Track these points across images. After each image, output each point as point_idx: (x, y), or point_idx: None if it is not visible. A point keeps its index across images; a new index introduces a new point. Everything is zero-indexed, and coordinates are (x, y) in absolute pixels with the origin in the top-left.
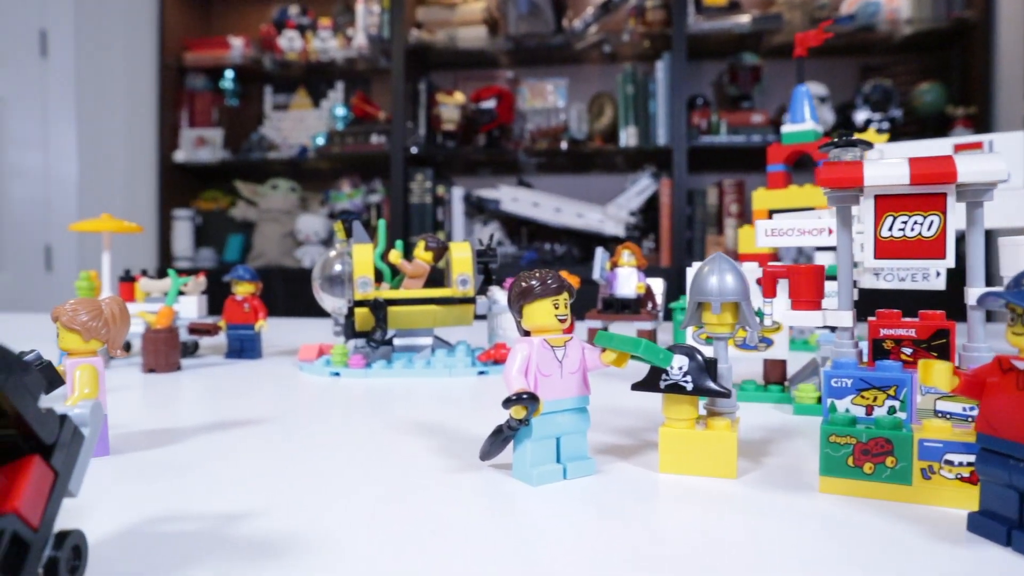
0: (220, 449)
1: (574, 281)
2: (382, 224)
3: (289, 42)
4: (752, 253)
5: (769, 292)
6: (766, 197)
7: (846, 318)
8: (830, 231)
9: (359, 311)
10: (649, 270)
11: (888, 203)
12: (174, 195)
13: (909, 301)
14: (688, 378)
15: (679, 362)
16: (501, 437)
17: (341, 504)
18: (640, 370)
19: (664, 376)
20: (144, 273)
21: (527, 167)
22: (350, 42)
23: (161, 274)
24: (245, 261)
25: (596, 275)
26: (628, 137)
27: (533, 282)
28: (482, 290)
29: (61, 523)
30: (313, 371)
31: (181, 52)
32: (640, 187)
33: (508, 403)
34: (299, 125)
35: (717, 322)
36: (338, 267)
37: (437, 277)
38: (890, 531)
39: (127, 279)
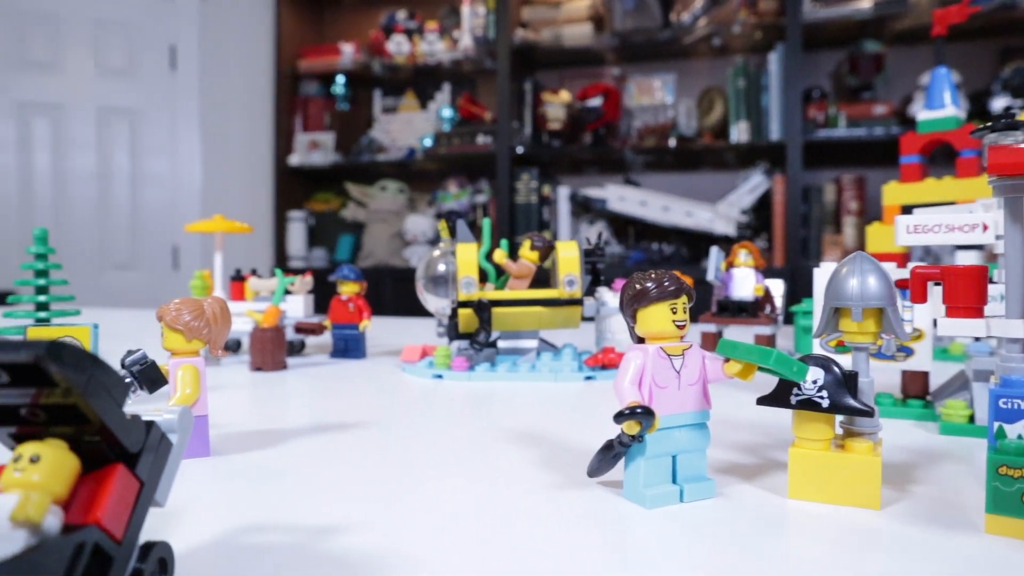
0: (317, 453)
1: (688, 282)
2: (487, 223)
3: (397, 46)
4: (884, 253)
5: (919, 296)
6: (899, 191)
7: (1017, 328)
8: (985, 227)
9: (463, 312)
10: (765, 271)
11: None
12: (288, 197)
13: None
14: (824, 393)
15: (814, 375)
16: (612, 453)
17: (435, 521)
18: (765, 381)
19: (796, 390)
20: (254, 272)
21: (634, 165)
22: (456, 44)
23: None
24: (355, 261)
25: (710, 276)
26: (739, 132)
27: (648, 284)
28: (590, 291)
29: (151, 531)
30: (416, 372)
31: (295, 60)
32: (752, 184)
33: (620, 417)
34: (407, 127)
35: (858, 330)
36: (442, 267)
37: (543, 277)
38: None
39: (237, 278)
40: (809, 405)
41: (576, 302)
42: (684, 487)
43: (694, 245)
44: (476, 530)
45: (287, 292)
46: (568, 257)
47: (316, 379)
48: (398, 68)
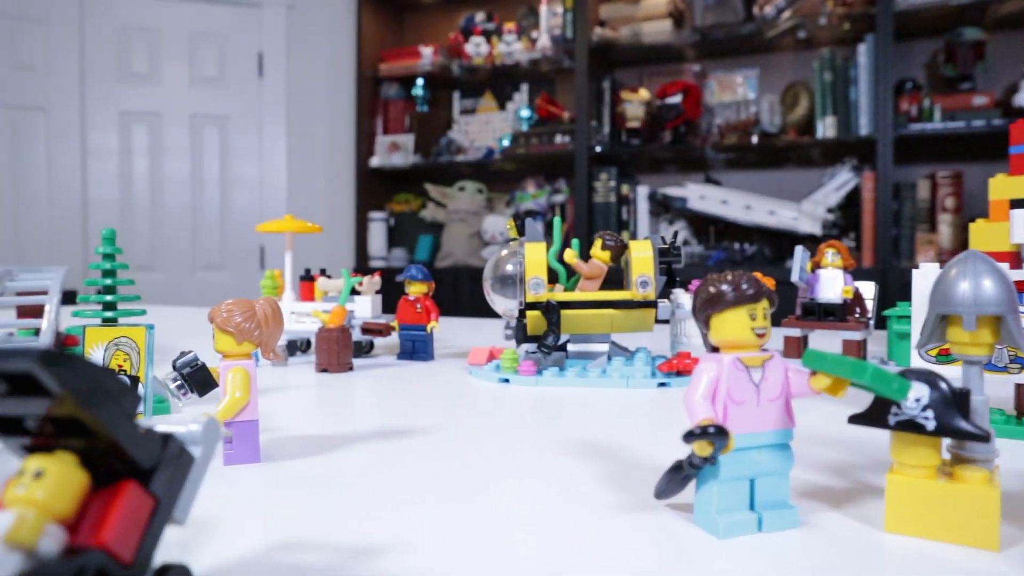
0: (372, 461)
1: (769, 284)
2: (557, 222)
3: (476, 48)
4: (991, 252)
5: None
6: (1009, 184)
7: None
8: None
9: (531, 314)
10: (854, 272)
11: None
12: (369, 198)
13: None
14: (929, 413)
15: (917, 392)
16: (681, 475)
17: (486, 543)
18: (860, 393)
19: (895, 409)
20: (323, 272)
21: (715, 163)
22: (534, 44)
23: (364, 272)
24: (434, 261)
25: (795, 277)
26: (825, 128)
27: (724, 287)
28: (664, 293)
29: (181, 545)
30: (482, 376)
31: (376, 64)
32: (839, 181)
33: (690, 437)
34: (485, 128)
35: (970, 341)
36: (510, 267)
37: (616, 278)
38: None
39: (307, 278)
40: (911, 427)
41: (650, 304)
42: (763, 515)
43: (777, 245)
44: (530, 555)
45: (355, 292)
46: (641, 257)
47: (380, 381)
48: (476, 69)
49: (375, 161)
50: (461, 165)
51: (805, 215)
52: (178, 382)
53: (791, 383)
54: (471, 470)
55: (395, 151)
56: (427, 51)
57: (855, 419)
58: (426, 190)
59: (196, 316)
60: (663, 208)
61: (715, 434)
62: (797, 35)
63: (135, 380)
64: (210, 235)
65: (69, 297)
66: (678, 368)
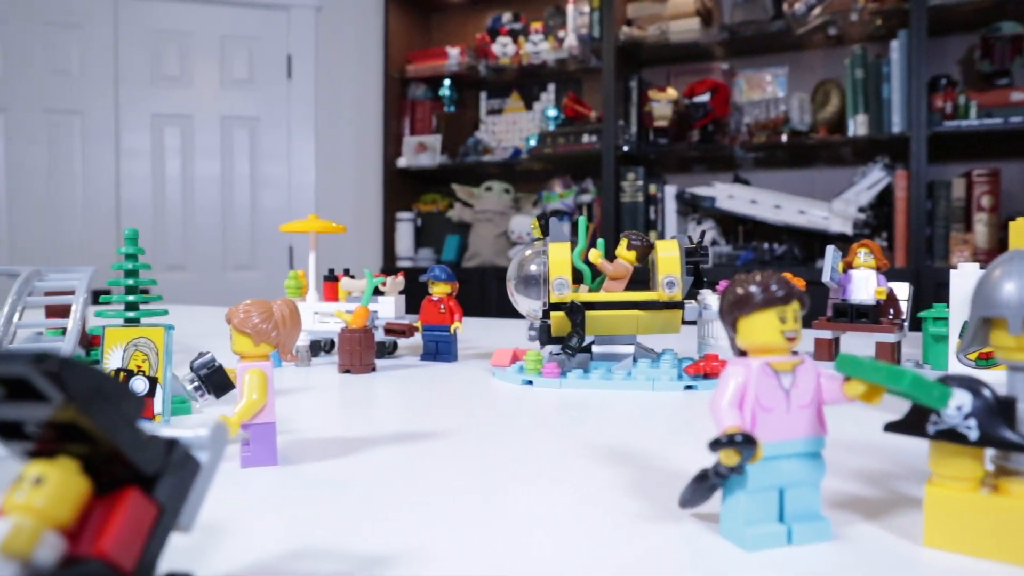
0: (390, 464)
1: (799, 285)
2: (582, 221)
3: (503, 48)
4: None
5: None
6: None
7: None
8: None
9: (555, 315)
10: (887, 272)
11: None
12: (397, 199)
13: None
14: (972, 423)
15: (959, 400)
16: (707, 484)
17: (502, 552)
18: (895, 401)
19: (935, 417)
20: (347, 272)
21: (744, 162)
22: (561, 44)
23: (390, 272)
24: (461, 261)
25: (826, 277)
26: (857, 126)
27: (752, 288)
28: (691, 294)
29: (190, 551)
30: (505, 378)
31: (403, 65)
32: (871, 180)
33: (717, 445)
34: (512, 128)
35: (1016, 346)
36: (534, 267)
37: (642, 279)
38: None
39: (330, 278)
40: (953, 436)
41: (676, 305)
42: (792, 527)
43: (807, 245)
44: (550, 564)
45: (379, 292)
46: (668, 257)
47: (402, 383)
48: (503, 69)
49: (402, 161)
50: (488, 165)
51: (836, 214)
52: (195, 383)
53: (823, 389)
54: (490, 475)
55: (422, 151)
56: (454, 52)
57: (891, 427)
58: (453, 190)
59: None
60: (691, 208)
61: (742, 443)
62: (828, 32)
63: (154, 381)
64: (240, 235)
65: (99, 297)
66: (705, 371)
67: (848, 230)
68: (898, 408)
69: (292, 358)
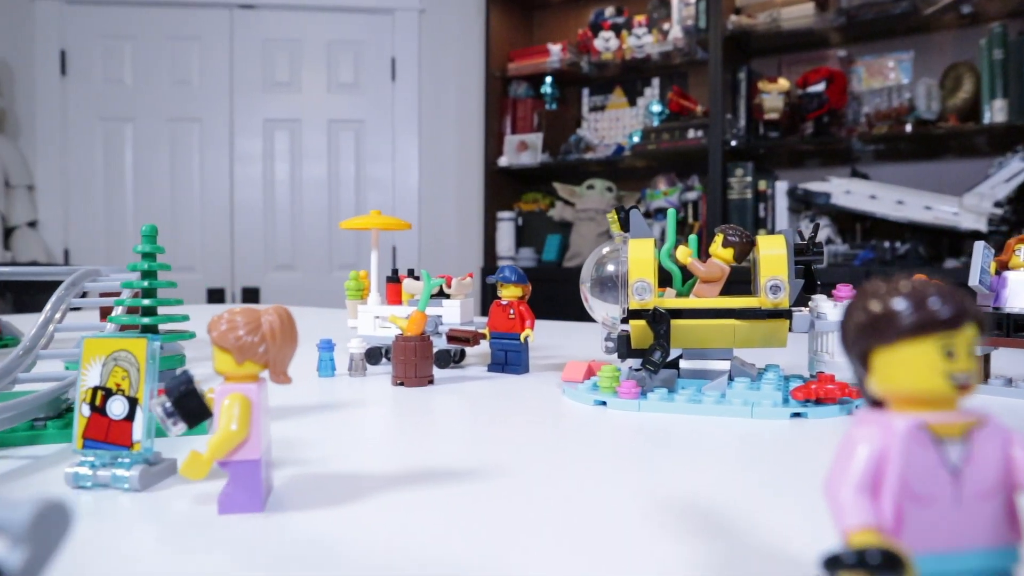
0: (406, 514)
1: (971, 301)
2: (671, 213)
3: (605, 43)
4: None
5: None
6: None
7: None
8: None
9: (635, 324)
10: None
11: None
12: (498, 198)
13: None
14: None
15: None
16: None
17: None
18: None
19: None
20: (410, 273)
21: (862, 155)
22: (665, 36)
23: (489, 272)
24: (562, 261)
25: (974, 280)
26: (994, 112)
27: (898, 303)
28: (801, 300)
29: None
30: (576, 397)
31: (505, 64)
32: (1010, 172)
33: (834, 566)
34: (615, 124)
35: None
36: (611, 267)
37: (742, 279)
38: None
39: (393, 279)
40: None
41: (782, 314)
42: None
43: (934, 243)
44: None
45: (444, 295)
46: (772, 256)
47: (459, 399)
48: (606, 65)
49: (503, 161)
50: (590, 163)
51: (967, 210)
52: (166, 407)
53: (1018, 466)
54: (540, 527)
55: (523, 150)
56: (555, 48)
57: None
58: (554, 189)
59: (326, 316)
60: (804, 205)
61: (880, 566)
62: (960, 10)
63: (134, 401)
64: (345, 235)
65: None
66: (818, 394)
67: (982, 227)
68: None
69: (285, 380)
